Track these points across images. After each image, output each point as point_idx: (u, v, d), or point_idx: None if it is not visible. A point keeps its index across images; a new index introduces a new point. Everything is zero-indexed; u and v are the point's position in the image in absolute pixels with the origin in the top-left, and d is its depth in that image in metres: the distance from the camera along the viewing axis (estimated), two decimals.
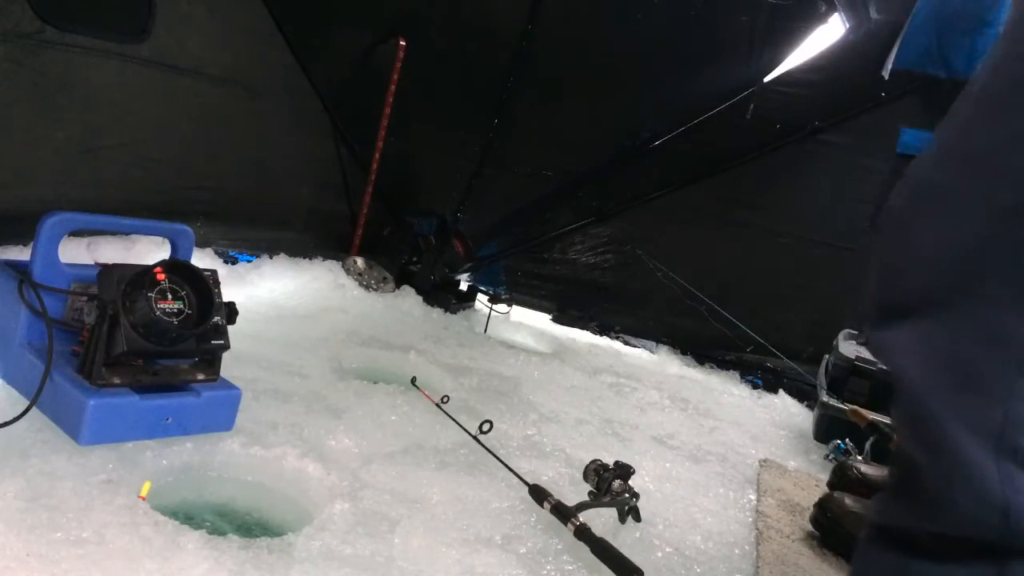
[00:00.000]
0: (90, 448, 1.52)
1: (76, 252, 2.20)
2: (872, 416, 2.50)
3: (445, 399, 2.26)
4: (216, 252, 3.00)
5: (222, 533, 1.44)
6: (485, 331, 3.46)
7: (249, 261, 3.20)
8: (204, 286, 1.67)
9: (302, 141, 3.43)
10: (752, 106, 3.51)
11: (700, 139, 3.60)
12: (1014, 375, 0.83)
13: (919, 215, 0.94)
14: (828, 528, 1.95)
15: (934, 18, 3.17)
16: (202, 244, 2.88)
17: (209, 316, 1.66)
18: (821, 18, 3.29)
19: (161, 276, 1.61)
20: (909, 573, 0.91)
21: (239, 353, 1.95)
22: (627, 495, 1.82)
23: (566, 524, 1.65)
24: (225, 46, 2.80)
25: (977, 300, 0.86)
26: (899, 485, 0.94)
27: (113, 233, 2.36)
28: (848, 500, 1.95)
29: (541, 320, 3.95)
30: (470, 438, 2.06)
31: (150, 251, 2.38)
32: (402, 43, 3.53)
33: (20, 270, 1.67)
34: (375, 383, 2.34)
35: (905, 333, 0.90)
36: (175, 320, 1.61)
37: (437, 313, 3.42)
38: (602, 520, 1.82)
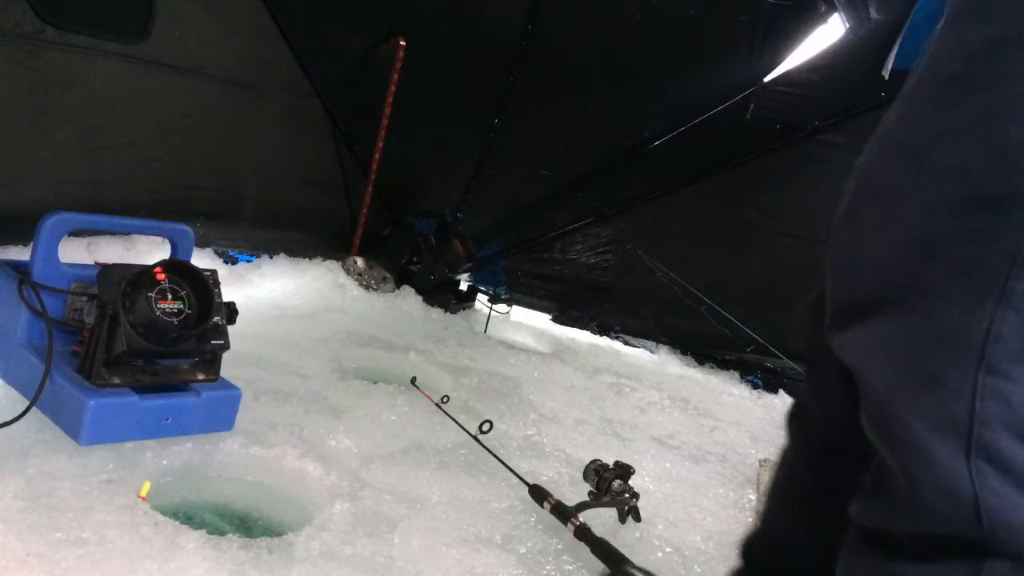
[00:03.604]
0: (90, 448, 1.52)
1: (76, 252, 2.20)
2: None
3: (445, 399, 2.26)
4: (216, 252, 3.00)
5: (222, 533, 1.44)
6: (485, 331, 3.46)
7: (249, 261, 3.20)
8: (204, 286, 1.67)
9: (302, 141, 3.43)
10: (752, 106, 3.51)
11: (700, 139, 3.60)
12: (976, 372, 0.79)
13: (867, 212, 0.92)
14: None
15: (934, 18, 3.16)
16: (202, 244, 2.88)
17: (209, 316, 1.66)
18: (821, 18, 3.29)
19: (161, 276, 1.62)
20: (887, 573, 0.89)
21: (239, 353, 1.94)
22: (627, 495, 1.82)
23: (566, 524, 1.65)
24: (225, 46, 2.80)
25: (929, 296, 0.83)
26: (874, 486, 0.92)
27: (113, 233, 2.37)
28: None
29: (541, 320, 3.94)
30: (470, 438, 2.06)
31: (150, 251, 2.38)
32: (402, 43, 3.52)
33: (20, 270, 1.67)
34: (375, 383, 2.34)
35: (862, 333, 0.87)
36: (175, 320, 1.61)
37: (437, 313, 3.42)
38: (602, 520, 1.82)
